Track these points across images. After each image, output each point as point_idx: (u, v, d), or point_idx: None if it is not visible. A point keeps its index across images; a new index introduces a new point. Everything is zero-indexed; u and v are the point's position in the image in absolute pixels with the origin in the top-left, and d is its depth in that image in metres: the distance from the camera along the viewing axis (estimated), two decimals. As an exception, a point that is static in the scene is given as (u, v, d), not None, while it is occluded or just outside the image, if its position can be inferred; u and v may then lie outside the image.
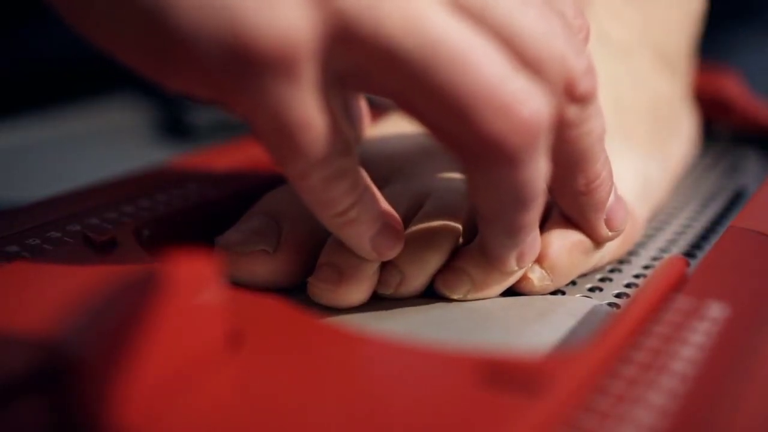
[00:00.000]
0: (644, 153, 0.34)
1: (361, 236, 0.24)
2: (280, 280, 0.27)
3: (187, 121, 0.54)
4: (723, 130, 0.45)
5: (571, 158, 0.25)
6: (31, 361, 0.19)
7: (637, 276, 0.29)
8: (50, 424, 0.18)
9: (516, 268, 0.26)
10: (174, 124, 0.55)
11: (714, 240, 0.32)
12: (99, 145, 0.54)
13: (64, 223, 0.28)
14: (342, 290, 0.26)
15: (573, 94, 0.23)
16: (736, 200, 0.37)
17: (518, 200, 0.22)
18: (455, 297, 0.27)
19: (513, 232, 0.24)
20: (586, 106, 0.23)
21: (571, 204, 0.27)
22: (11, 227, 0.28)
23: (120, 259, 0.26)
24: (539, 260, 0.27)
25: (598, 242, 0.28)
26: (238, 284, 0.27)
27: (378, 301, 0.27)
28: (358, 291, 0.26)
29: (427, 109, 0.21)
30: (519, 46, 0.21)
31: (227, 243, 0.27)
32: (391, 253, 0.25)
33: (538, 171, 0.22)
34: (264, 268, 0.27)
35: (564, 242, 0.28)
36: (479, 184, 0.22)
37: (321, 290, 0.26)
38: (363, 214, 0.24)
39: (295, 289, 0.28)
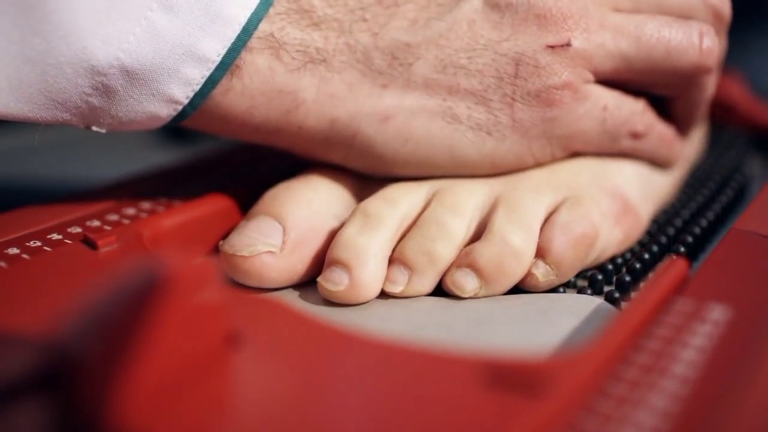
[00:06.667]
0: None
1: None
2: (287, 279, 0.27)
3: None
4: (726, 131, 0.45)
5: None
6: (33, 362, 0.19)
7: (638, 273, 0.29)
8: (52, 425, 0.17)
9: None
10: (175, 127, 0.55)
11: (716, 241, 0.32)
12: (100, 148, 0.54)
13: (66, 226, 0.28)
14: (352, 288, 0.26)
15: (722, 19, 0.32)
16: (738, 202, 0.37)
17: (705, 101, 0.33)
18: (466, 296, 0.27)
19: (697, 123, 0.35)
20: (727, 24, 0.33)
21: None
22: (13, 229, 0.28)
23: (121, 261, 0.26)
24: (543, 256, 0.27)
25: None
26: (243, 286, 0.27)
27: (381, 303, 0.27)
28: (369, 287, 0.26)
29: (656, 79, 0.31)
30: (670, 10, 0.31)
31: (231, 247, 0.27)
32: None
33: (715, 78, 0.33)
34: (271, 268, 0.27)
35: (567, 237, 0.28)
36: (682, 103, 0.33)
37: (331, 289, 0.26)
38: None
39: (301, 287, 0.28)
